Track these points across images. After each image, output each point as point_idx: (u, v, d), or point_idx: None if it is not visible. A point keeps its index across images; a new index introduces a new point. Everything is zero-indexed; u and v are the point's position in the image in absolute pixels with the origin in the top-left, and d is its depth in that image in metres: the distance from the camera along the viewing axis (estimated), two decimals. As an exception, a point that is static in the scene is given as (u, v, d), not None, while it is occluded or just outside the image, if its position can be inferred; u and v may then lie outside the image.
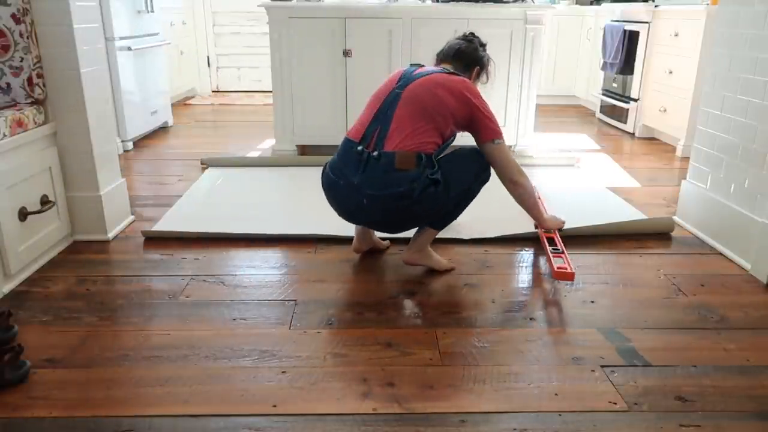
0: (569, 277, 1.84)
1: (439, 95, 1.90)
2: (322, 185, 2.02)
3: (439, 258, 2.08)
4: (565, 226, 2.28)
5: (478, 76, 2.13)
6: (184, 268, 2.06)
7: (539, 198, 2.61)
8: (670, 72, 3.75)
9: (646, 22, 3.99)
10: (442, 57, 2.14)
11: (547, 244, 2.13)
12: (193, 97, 5.83)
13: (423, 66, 2.04)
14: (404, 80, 1.97)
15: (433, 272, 2.05)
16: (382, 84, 2.04)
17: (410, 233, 2.18)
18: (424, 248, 2.05)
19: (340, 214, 2.03)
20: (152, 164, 3.41)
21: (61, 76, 2.09)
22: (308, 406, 1.37)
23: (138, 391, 1.41)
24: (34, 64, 2.03)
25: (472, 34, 2.18)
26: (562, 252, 2.03)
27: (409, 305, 1.84)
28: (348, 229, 2.29)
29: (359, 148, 1.91)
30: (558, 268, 1.91)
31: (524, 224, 2.38)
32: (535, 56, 3.38)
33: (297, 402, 1.38)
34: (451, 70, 2.01)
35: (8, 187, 1.86)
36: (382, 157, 1.86)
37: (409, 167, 1.85)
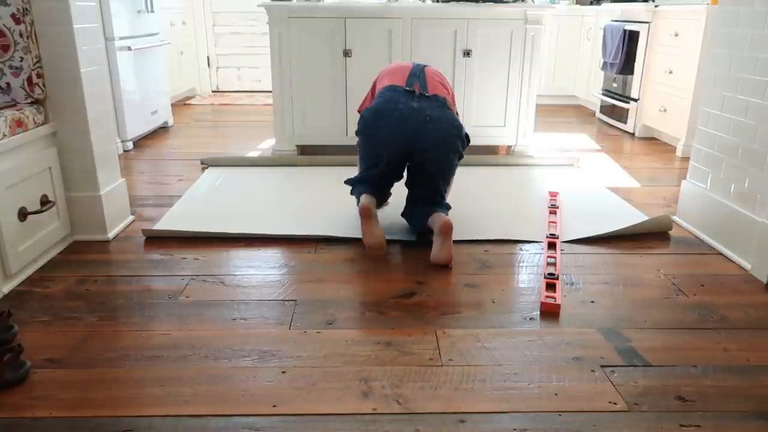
0: (555, 308, 1.80)
1: (444, 79, 2.35)
2: (367, 123, 2.16)
3: None
4: (566, 230, 2.26)
5: None
6: (184, 268, 2.07)
7: (557, 207, 2.61)
8: (670, 72, 3.75)
9: (646, 22, 3.99)
10: None
11: (546, 263, 2.09)
12: (193, 97, 5.83)
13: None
14: (417, 64, 2.35)
15: (433, 272, 2.05)
16: (393, 65, 2.37)
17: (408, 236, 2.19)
18: None
19: (388, 143, 2.13)
20: (152, 164, 3.41)
21: (61, 76, 2.09)
22: (308, 406, 1.37)
23: (138, 391, 1.41)
24: (34, 64, 2.03)
25: None
26: (557, 278, 1.96)
27: (409, 305, 1.84)
28: (348, 229, 2.29)
29: (407, 89, 2.16)
30: (546, 296, 1.84)
31: (528, 231, 2.36)
32: (535, 56, 3.38)
33: (297, 402, 1.38)
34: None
35: (8, 187, 1.86)
36: (431, 97, 2.16)
37: (454, 111, 2.21)
